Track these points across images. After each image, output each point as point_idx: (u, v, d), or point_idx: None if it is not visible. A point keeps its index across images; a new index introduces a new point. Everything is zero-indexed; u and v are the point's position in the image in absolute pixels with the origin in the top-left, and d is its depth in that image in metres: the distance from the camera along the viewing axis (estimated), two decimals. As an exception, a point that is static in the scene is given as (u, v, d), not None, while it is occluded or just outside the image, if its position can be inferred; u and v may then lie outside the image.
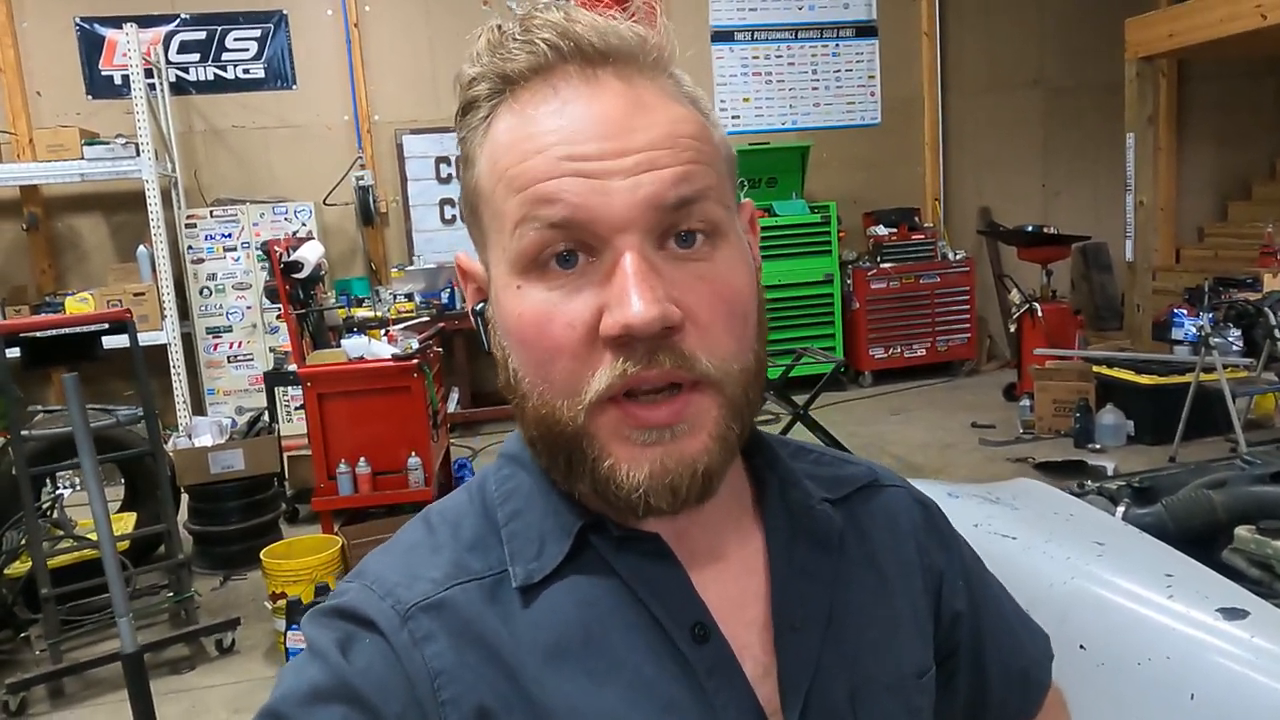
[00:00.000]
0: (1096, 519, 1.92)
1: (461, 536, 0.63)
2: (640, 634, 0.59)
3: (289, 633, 3.45)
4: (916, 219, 8.09)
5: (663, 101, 0.58)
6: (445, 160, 7.60)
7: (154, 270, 6.57)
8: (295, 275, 4.03)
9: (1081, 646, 1.57)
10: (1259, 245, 7.36)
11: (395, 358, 3.96)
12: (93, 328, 3.73)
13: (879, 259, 7.78)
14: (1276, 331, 5.15)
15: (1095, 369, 5.89)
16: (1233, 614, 1.42)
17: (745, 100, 8.11)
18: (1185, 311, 6.81)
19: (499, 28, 0.59)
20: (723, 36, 7.98)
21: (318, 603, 2.75)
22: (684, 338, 0.55)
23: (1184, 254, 8.65)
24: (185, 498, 4.68)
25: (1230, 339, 5.63)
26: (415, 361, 3.94)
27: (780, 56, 8.12)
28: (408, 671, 0.57)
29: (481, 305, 0.65)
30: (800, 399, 5.41)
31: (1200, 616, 1.44)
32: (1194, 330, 6.20)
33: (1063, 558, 1.73)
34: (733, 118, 8.02)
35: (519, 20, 0.59)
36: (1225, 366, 5.09)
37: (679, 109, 0.58)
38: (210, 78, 7.26)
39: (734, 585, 0.64)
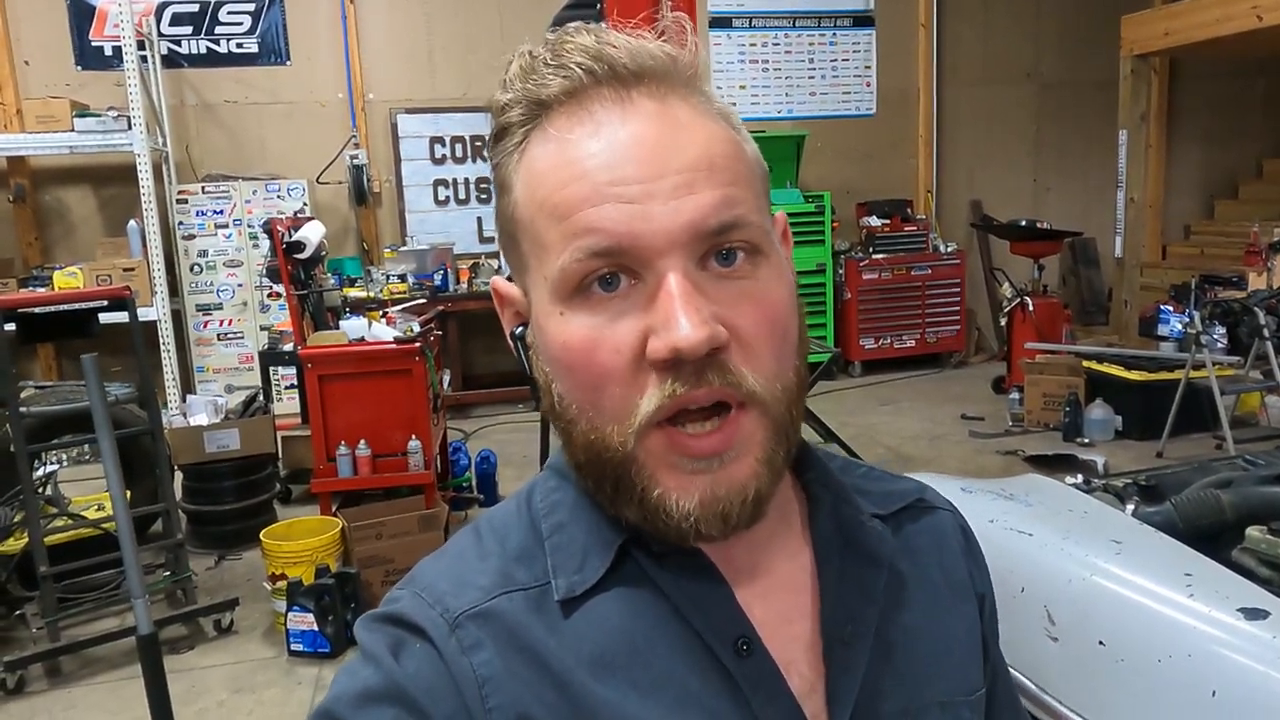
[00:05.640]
0: (1110, 517, 1.96)
1: (508, 547, 0.63)
2: (684, 648, 0.59)
3: (290, 614, 3.45)
4: (909, 210, 8.14)
5: (697, 120, 0.58)
6: (440, 141, 7.55)
7: (144, 245, 6.50)
8: (297, 255, 4.00)
9: (1101, 643, 1.60)
10: (1245, 244, 7.44)
11: (398, 340, 3.95)
12: (91, 304, 3.69)
13: (871, 250, 7.82)
14: (1265, 330, 5.23)
15: (1085, 364, 5.96)
16: (1253, 614, 1.45)
17: (741, 87, 8.09)
18: (1171, 308, 6.89)
19: (530, 53, 0.59)
20: (720, 23, 7.96)
21: (319, 585, 2.76)
22: (730, 356, 0.55)
23: (1171, 251, 8.75)
24: (179, 477, 4.65)
25: (1215, 336, 5.71)
26: (417, 345, 3.93)
27: (777, 44, 8.11)
28: (455, 678, 0.58)
29: (521, 329, 0.64)
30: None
31: (1221, 616, 1.48)
32: (1180, 327, 6.28)
33: (1081, 555, 1.76)
34: (729, 105, 7.99)
35: (550, 45, 0.58)
36: (1214, 364, 5.17)
37: (713, 127, 0.58)
38: (203, 51, 7.16)
39: (780, 601, 0.64)
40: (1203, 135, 8.79)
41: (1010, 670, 1.78)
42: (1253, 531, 1.86)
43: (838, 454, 0.74)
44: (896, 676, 0.64)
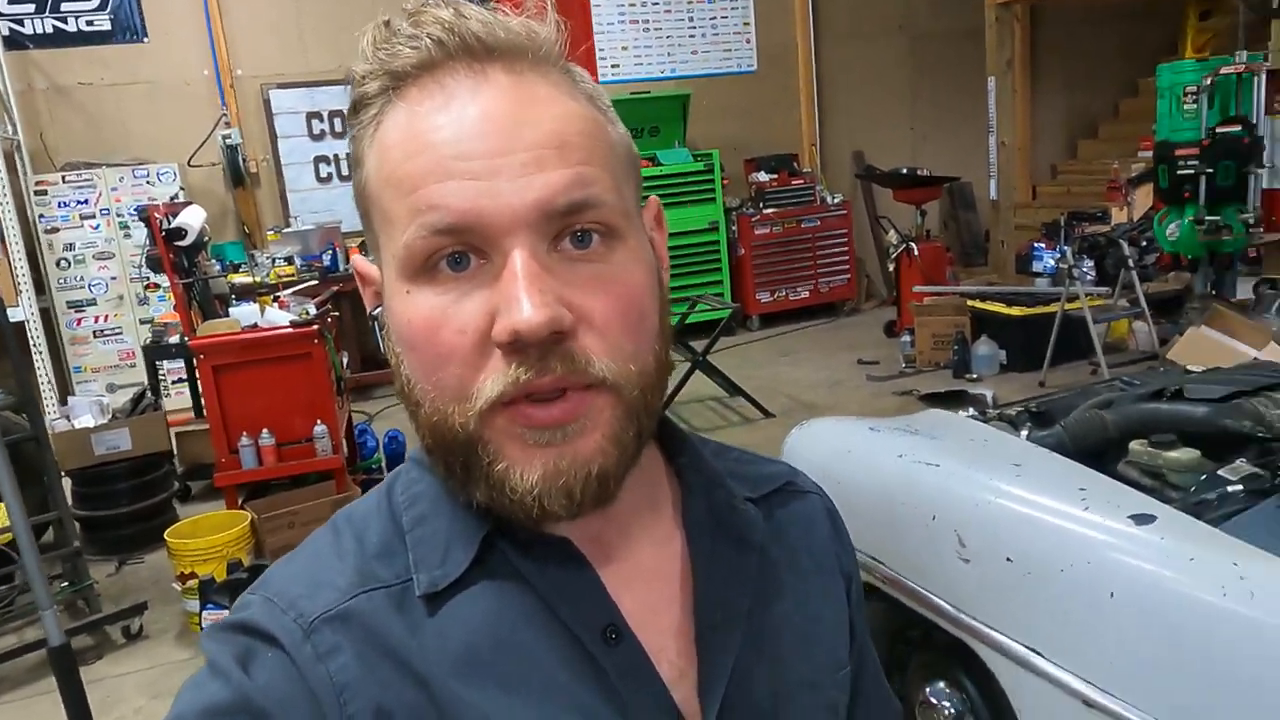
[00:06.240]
0: (1007, 443, 2.08)
1: (368, 543, 0.61)
2: (552, 640, 0.58)
3: (204, 612, 3.35)
4: (795, 165, 8.30)
5: (554, 96, 0.56)
6: (317, 116, 7.29)
7: (3, 242, 6.08)
8: (178, 242, 3.82)
9: (1009, 560, 1.72)
10: (1107, 181, 7.89)
11: (294, 324, 3.83)
12: (-46, 308, 3.45)
13: (761, 205, 7.96)
14: (1129, 261, 5.58)
15: (969, 303, 6.24)
16: (1142, 519, 1.58)
17: (623, 48, 8.07)
18: (1044, 245, 7.27)
19: (387, 23, 0.57)
20: (598, -17, 7.88)
21: (233, 580, 2.69)
22: (577, 341, 0.54)
23: (1040, 191, 9.18)
24: (67, 482, 4.42)
25: (1085, 269, 6.05)
26: (315, 327, 3.83)
27: (657, 4, 8.10)
28: (311, 687, 0.55)
29: (379, 309, 0.61)
30: (698, 345, 5.54)
31: (1114, 524, 1.60)
32: (1053, 263, 6.64)
33: (984, 480, 1.87)
34: (612, 67, 7.98)
35: (407, 16, 0.56)
36: (1086, 296, 5.49)
37: (571, 104, 0.56)
38: (49, 30, 6.69)
39: (651, 588, 0.63)
40: (1064, 79, 9.22)
41: (930, 595, 1.89)
42: (1135, 445, 2.01)
43: (710, 440, 0.74)
44: (766, 659, 0.64)
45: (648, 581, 0.62)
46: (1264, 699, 1.31)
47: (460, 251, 0.53)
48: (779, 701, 0.64)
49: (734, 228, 7.92)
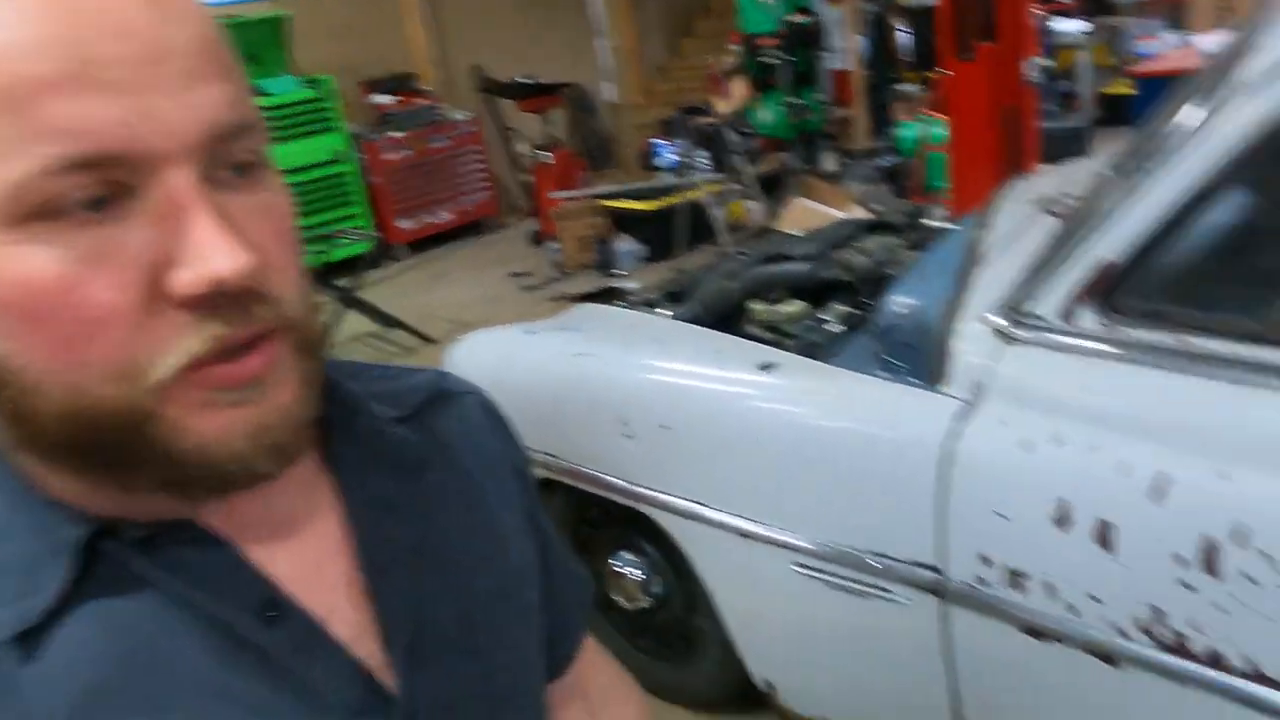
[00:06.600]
0: (650, 323, 2.24)
1: None
2: (199, 640, 0.49)
3: None
4: (416, 84, 8.04)
5: None
6: None
7: None
8: None
9: (664, 426, 1.86)
10: (707, 75, 8.53)
11: None
12: None
13: (386, 129, 7.66)
14: (735, 148, 6.14)
15: (605, 204, 6.53)
16: (768, 367, 1.78)
17: (200, -32, 7.22)
18: (663, 141, 7.77)
19: None
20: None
21: None
22: (265, 282, 0.46)
23: (654, 89, 9.72)
24: None
25: (700, 159, 6.57)
26: None
27: (230, -85, 7.31)
28: None
29: None
30: (343, 282, 5.29)
31: (746, 376, 1.79)
32: (672, 157, 7.13)
33: (634, 360, 2.00)
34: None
35: None
36: (704, 184, 5.98)
37: (193, 3, 0.46)
38: None
39: (306, 547, 0.55)
40: (659, -21, 9.72)
41: (603, 476, 2.01)
42: (754, 305, 2.25)
43: (345, 361, 0.68)
44: (448, 584, 0.59)
45: (301, 539, 0.55)
46: (876, 496, 1.56)
47: (99, 188, 0.42)
48: (471, 623, 0.60)
49: (363, 156, 7.56)
